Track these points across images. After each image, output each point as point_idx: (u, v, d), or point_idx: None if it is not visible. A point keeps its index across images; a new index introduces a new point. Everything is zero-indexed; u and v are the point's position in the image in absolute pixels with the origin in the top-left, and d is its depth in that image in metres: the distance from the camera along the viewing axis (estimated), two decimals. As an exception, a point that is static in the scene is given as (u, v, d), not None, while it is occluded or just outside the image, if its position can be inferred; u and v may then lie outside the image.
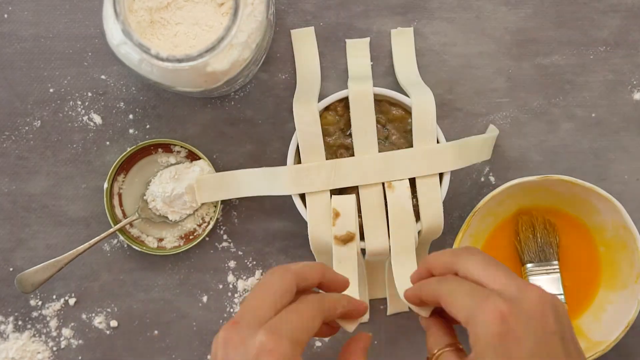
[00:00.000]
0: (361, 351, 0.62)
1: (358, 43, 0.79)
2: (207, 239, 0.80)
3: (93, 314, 0.80)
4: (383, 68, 0.80)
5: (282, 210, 0.80)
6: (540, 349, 0.53)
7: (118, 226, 0.77)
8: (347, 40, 0.79)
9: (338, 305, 0.62)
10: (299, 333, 0.56)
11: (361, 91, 0.74)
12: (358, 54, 0.79)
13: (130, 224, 0.79)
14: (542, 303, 0.54)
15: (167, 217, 0.78)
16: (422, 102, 0.73)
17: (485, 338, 0.53)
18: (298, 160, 0.75)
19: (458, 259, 0.59)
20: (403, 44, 0.79)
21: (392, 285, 0.76)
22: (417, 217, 0.74)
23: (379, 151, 0.74)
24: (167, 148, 0.79)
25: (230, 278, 0.80)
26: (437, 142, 0.74)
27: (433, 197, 0.73)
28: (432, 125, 0.73)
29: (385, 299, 0.80)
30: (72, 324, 0.80)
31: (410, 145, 0.74)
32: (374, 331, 0.80)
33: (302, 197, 0.75)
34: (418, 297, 0.62)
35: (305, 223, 0.75)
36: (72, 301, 0.80)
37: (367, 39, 0.79)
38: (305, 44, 0.79)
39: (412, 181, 0.74)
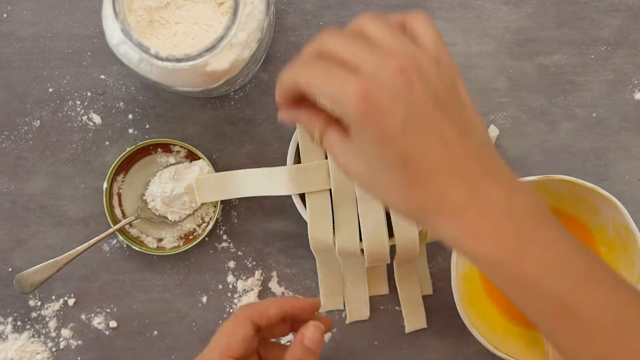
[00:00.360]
0: (298, 344, 0.64)
1: None
2: (206, 239, 0.79)
3: (92, 315, 0.80)
4: (383, 68, 0.79)
5: (282, 210, 0.80)
6: (412, 117, 0.50)
7: (117, 226, 0.77)
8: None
9: (270, 307, 0.65)
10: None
11: None
12: None
13: (130, 224, 0.78)
14: (403, 70, 0.50)
15: (166, 217, 0.78)
16: None
17: (355, 119, 0.50)
18: (298, 160, 0.75)
19: (322, 39, 0.54)
20: None
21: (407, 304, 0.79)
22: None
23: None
24: (166, 148, 0.79)
25: (230, 278, 0.79)
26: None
27: None
28: None
29: (384, 297, 0.80)
30: (72, 324, 0.79)
31: None
32: (373, 331, 0.80)
33: (302, 197, 0.75)
34: (282, 92, 0.56)
35: (305, 223, 0.75)
36: (71, 301, 0.79)
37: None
38: None
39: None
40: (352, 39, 0.52)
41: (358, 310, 0.80)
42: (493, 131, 0.78)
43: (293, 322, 0.69)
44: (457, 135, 0.51)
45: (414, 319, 0.79)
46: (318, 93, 0.52)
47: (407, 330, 0.79)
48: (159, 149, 0.79)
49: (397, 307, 0.80)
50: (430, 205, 0.51)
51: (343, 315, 0.80)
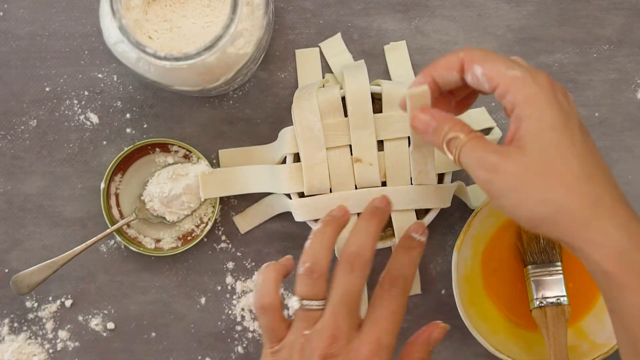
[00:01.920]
0: (423, 344, 0.65)
1: (331, 42, 0.79)
2: (205, 239, 0.79)
3: (90, 316, 0.79)
4: (383, 66, 0.79)
5: (281, 210, 0.79)
6: (581, 123, 0.57)
7: (115, 227, 0.77)
8: (320, 44, 0.79)
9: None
10: (394, 338, 0.62)
11: (357, 89, 0.73)
12: (335, 51, 0.79)
13: (128, 225, 0.78)
14: (566, 93, 0.58)
15: (164, 218, 0.78)
16: None
17: (543, 95, 0.56)
18: (297, 159, 0.75)
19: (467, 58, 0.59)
20: (398, 59, 0.78)
21: None
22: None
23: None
24: (164, 148, 0.78)
25: (229, 279, 0.79)
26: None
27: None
28: None
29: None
30: (69, 325, 0.79)
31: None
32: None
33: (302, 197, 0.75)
34: (430, 75, 0.60)
35: (305, 223, 0.75)
36: (68, 303, 0.79)
37: (338, 34, 0.79)
38: (309, 64, 0.79)
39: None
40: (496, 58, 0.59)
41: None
42: (496, 133, 0.77)
43: None
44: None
45: None
46: (495, 70, 0.58)
47: None
48: (157, 149, 0.78)
49: (397, 309, 0.80)
50: (603, 204, 0.54)
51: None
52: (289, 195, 0.75)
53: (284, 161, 0.75)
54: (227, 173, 0.76)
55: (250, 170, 0.76)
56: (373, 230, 0.64)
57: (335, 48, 0.79)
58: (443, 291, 0.80)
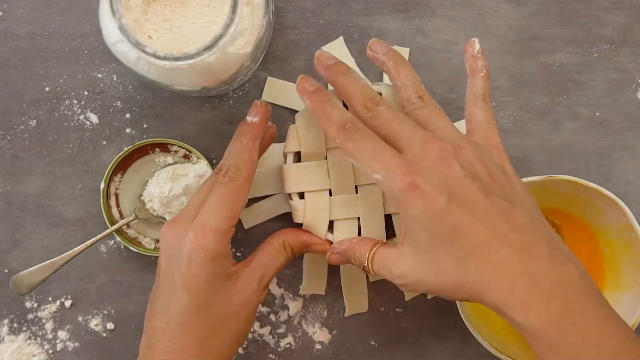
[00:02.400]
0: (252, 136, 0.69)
1: (334, 46, 0.79)
2: (205, 240, 0.79)
3: (89, 316, 0.79)
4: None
5: (281, 210, 0.79)
6: (454, 195, 0.58)
7: (115, 227, 0.77)
8: (322, 47, 0.79)
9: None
10: (222, 222, 0.65)
11: None
12: (338, 55, 0.78)
13: (127, 225, 0.78)
14: (443, 154, 0.59)
15: (164, 218, 0.77)
16: None
17: (399, 196, 0.59)
18: (297, 158, 0.75)
19: (377, 112, 0.64)
20: None
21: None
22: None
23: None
24: (164, 148, 0.78)
25: (229, 280, 0.79)
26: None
27: None
28: None
29: (385, 298, 0.80)
30: (68, 326, 0.79)
31: None
32: (374, 333, 0.79)
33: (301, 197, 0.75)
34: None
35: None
36: (68, 303, 0.79)
37: (341, 38, 0.79)
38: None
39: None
40: (403, 118, 0.62)
41: (357, 302, 0.80)
42: None
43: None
44: (501, 212, 0.58)
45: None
46: (365, 167, 0.61)
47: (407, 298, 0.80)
48: (157, 149, 0.78)
49: (397, 309, 0.80)
50: (485, 275, 0.57)
51: (342, 315, 0.80)
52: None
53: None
54: (259, 174, 0.77)
55: (262, 174, 0.77)
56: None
57: (337, 51, 0.78)
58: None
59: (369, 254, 0.65)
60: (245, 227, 0.79)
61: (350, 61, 0.78)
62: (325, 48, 0.78)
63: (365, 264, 0.66)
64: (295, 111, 0.78)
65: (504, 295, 0.57)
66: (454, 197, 0.58)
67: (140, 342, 0.68)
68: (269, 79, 0.78)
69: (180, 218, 0.67)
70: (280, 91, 0.79)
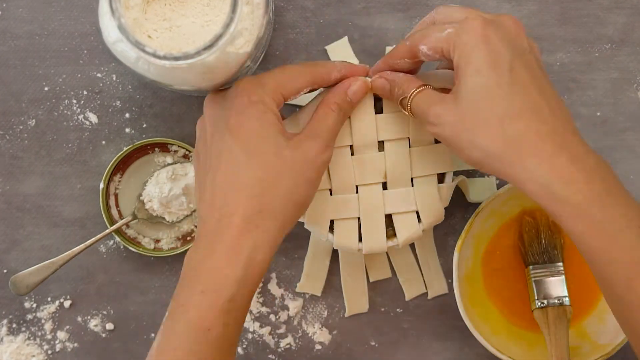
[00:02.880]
0: (341, 92, 0.68)
1: (338, 45, 0.79)
2: (205, 240, 0.78)
3: (89, 317, 0.79)
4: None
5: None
6: (518, 57, 0.59)
7: (114, 227, 0.77)
8: (326, 47, 0.79)
9: (332, 69, 0.68)
10: (280, 85, 0.65)
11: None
12: (342, 55, 0.78)
13: (127, 225, 0.78)
14: (517, 26, 0.61)
15: (164, 218, 0.77)
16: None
17: (471, 41, 0.59)
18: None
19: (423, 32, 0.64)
20: None
21: (404, 272, 0.79)
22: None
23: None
24: (164, 147, 0.78)
25: (229, 280, 0.79)
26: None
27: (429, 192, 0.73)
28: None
29: (385, 299, 0.80)
30: (68, 326, 0.79)
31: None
32: (374, 333, 0.79)
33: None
34: (388, 64, 0.68)
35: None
36: (67, 303, 0.79)
37: (345, 38, 0.79)
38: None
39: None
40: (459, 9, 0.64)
41: (357, 302, 0.80)
42: None
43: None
44: (549, 94, 0.60)
45: (411, 284, 0.80)
46: (437, 38, 0.62)
47: (407, 297, 0.80)
48: (157, 149, 0.78)
49: (398, 309, 0.80)
50: (528, 140, 0.58)
51: (342, 315, 0.79)
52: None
53: None
54: None
55: None
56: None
57: (341, 52, 0.78)
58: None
59: (415, 90, 0.64)
60: None
61: (354, 61, 0.78)
62: (329, 48, 0.78)
63: (407, 98, 0.65)
64: (296, 107, 0.78)
65: (544, 166, 0.57)
66: (517, 57, 0.59)
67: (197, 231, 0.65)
68: None
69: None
70: None
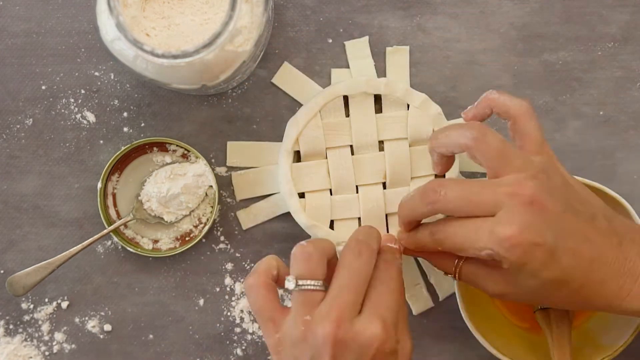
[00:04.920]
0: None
1: (357, 43, 0.78)
2: (203, 240, 0.79)
3: (86, 318, 0.79)
4: (382, 65, 0.79)
5: (280, 210, 0.79)
6: (558, 235, 0.58)
7: (112, 227, 0.76)
8: (345, 42, 0.78)
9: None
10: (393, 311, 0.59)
11: (359, 92, 0.73)
12: (359, 54, 0.78)
13: (125, 225, 0.78)
14: (533, 202, 0.58)
15: (162, 218, 0.77)
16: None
17: (512, 260, 0.57)
18: (297, 158, 0.74)
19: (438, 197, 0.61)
20: (397, 64, 0.78)
21: (410, 287, 0.78)
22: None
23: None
24: (162, 147, 0.78)
25: (228, 281, 0.79)
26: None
27: None
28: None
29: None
30: (65, 328, 0.79)
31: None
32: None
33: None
34: (416, 244, 0.65)
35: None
36: (64, 304, 0.79)
37: (366, 38, 0.78)
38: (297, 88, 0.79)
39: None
40: (467, 185, 0.60)
41: None
42: None
43: None
44: (591, 224, 0.60)
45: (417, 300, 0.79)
46: (467, 247, 0.59)
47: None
48: (155, 148, 0.78)
49: (399, 310, 0.79)
50: (603, 299, 0.60)
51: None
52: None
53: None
54: (259, 173, 0.77)
55: (259, 173, 0.77)
56: (377, 232, 0.63)
57: (360, 51, 0.78)
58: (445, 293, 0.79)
59: (456, 270, 0.65)
60: (244, 227, 0.78)
61: (369, 62, 0.78)
62: (348, 44, 0.78)
63: (452, 277, 0.65)
64: (297, 103, 0.77)
65: (616, 299, 0.60)
66: (558, 240, 0.58)
67: None
68: (285, 63, 0.78)
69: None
70: (292, 79, 0.78)
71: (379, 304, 0.58)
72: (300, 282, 0.58)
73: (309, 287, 0.58)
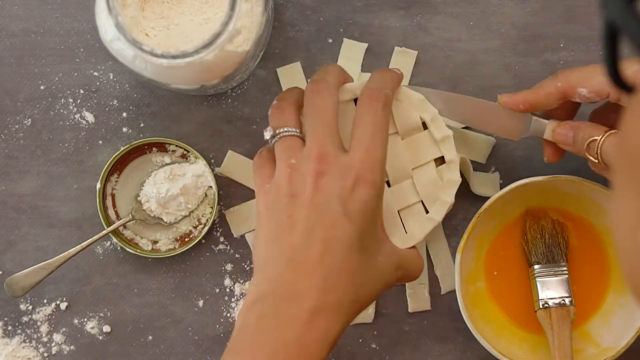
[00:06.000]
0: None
1: (356, 46, 0.78)
2: (203, 241, 0.78)
3: (85, 319, 0.79)
4: (384, 64, 0.79)
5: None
6: None
7: (111, 228, 0.76)
8: (345, 39, 0.78)
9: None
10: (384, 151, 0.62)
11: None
12: (351, 56, 0.78)
13: (124, 226, 0.78)
14: None
15: (161, 219, 0.77)
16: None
17: None
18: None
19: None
20: (401, 65, 0.77)
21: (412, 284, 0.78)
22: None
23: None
24: (161, 147, 0.78)
25: (227, 282, 0.79)
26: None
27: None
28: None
29: (386, 300, 0.79)
30: (64, 329, 0.79)
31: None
32: (375, 336, 0.79)
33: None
34: (529, 101, 0.69)
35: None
36: (63, 305, 0.79)
37: (365, 45, 0.78)
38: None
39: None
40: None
41: (363, 312, 0.79)
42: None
43: None
44: None
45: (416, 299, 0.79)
46: (598, 83, 0.65)
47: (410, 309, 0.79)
48: (154, 149, 0.78)
49: (399, 312, 0.79)
50: None
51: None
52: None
53: None
54: (252, 206, 0.77)
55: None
56: (335, 67, 0.67)
57: (354, 54, 0.78)
58: (446, 293, 0.79)
59: (606, 133, 0.64)
60: (235, 235, 0.78)
61: (357, 67, 0.78)
62: (346, 42, 0.78)
63: (596, 141, 0.65)
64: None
65: None
66: None
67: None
68: (295, 65, 0.78)
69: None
70: (295, 77, 0.78)
71: (364, 141, 0.61)
72: (277, 131, 0.63)
73: (286, 133, 0.63)
